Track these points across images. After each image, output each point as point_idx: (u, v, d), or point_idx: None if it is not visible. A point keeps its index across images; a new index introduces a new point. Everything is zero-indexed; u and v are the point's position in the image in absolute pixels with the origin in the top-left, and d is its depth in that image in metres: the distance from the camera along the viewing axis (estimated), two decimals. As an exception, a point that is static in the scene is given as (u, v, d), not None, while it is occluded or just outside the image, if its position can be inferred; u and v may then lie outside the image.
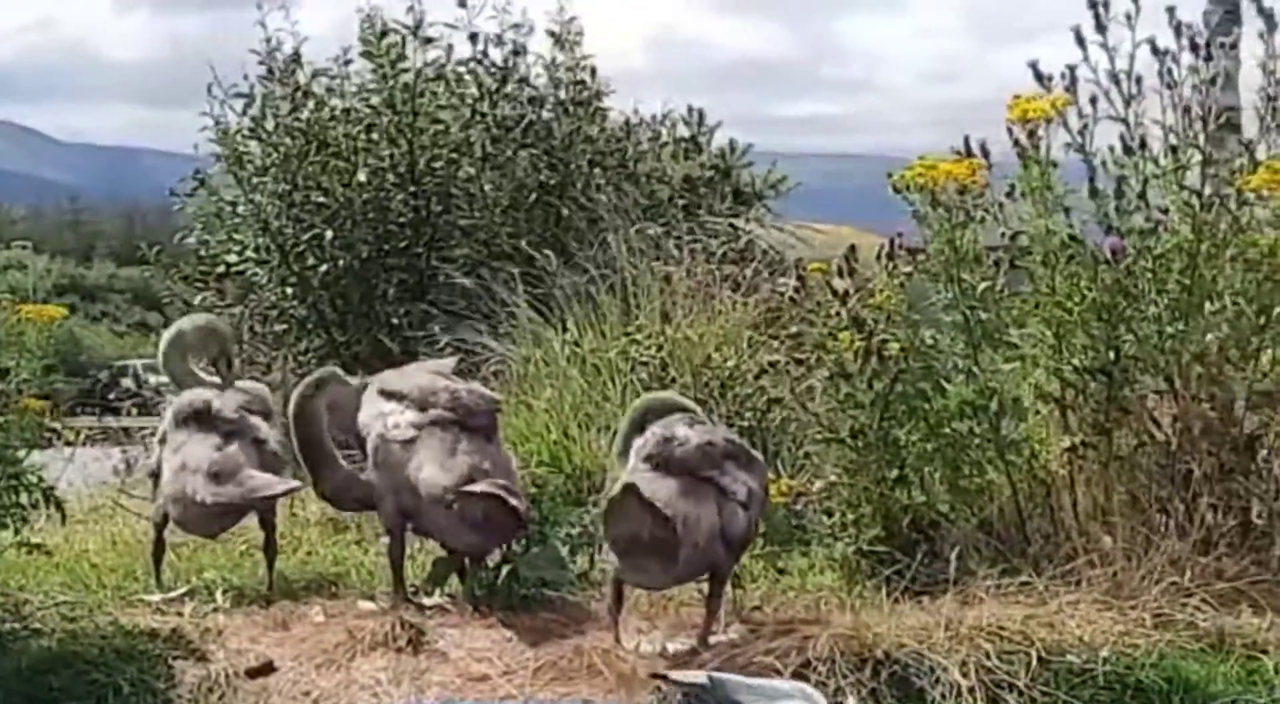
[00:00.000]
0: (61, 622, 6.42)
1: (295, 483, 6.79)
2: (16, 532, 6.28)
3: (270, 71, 11.41)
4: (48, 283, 49.91)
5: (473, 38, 11.25)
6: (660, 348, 8.11)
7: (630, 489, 5.75)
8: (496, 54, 11.32)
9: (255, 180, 11.09)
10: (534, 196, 10.96)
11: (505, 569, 6.59)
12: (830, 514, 6.64)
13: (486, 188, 10.83)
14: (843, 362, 6.41)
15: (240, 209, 11.20)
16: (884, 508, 6.43)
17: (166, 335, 7.25)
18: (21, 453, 6.25)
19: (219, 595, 6.79)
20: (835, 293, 6.45)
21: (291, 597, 6.80)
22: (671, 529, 5.72)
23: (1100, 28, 6.49)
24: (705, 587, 6.17)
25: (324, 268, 10.90)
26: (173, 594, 6.86)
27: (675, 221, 11.00)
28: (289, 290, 11.09)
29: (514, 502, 6.21)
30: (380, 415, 6.59)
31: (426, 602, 6.58)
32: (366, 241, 10.90)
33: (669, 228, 10.73)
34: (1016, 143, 6.35)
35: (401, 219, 10.96)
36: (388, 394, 6.66)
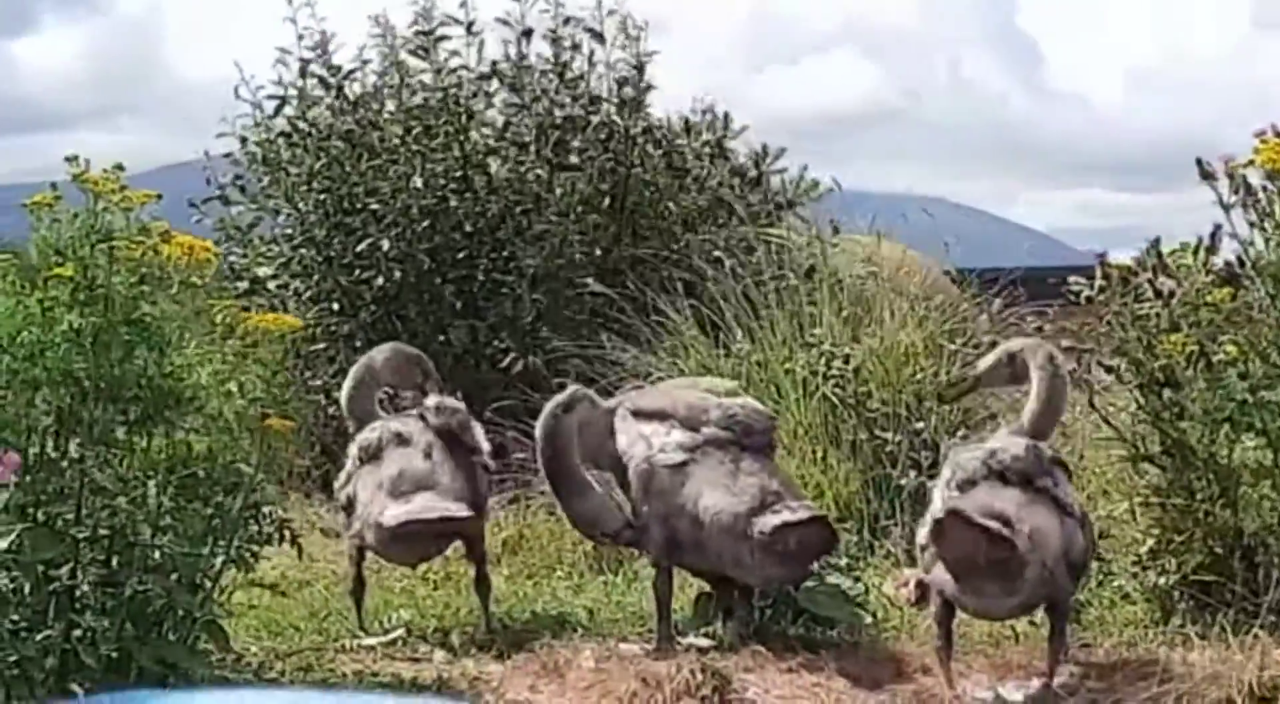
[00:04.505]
0: (298, 673, 5.66)
1: (464, 512, 6.03)
2: (249, 569, 5.48)
3: (302, 72, 10.60)
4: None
5: (526, 34, 10.49)
6: (848, 361, 7.47)
7: (954, 514, 5.15)
8: (547, 49, 10.55)
9: (298, 188, 10.28)
10: (607, 201, 10.23)
11: (777, 606, 5.95)
12: (1136, 541, 6.04)
13: (558, 192, 10.08)
14: (1169, 368, 5.81)
15: (281, 218, 10.39)
16: (1207, 532, 5.83)
17: (355, 372, 6.54)
18: (260, 479, 5.46)
19: (455, 638, 6.05)
20: (1158, 293, 5.86)
21: (522, 637, 6.10)
22: (1010, 547, 5.10)
23: None
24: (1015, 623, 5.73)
25: (379, 280, 10.10)
26: (389, 636, 6.13)
27: (724, 229, 10.42)
28: (335, 305, 10.27)
29: (835, 525, 5.60)
30: (641, 438, 5.90)
31: (700, 643, 5.90)
32: (425, 252, 10.10)
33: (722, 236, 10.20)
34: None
35: (464, 227, 10.17)
36: (646, 415, 5.98)
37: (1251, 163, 5.68)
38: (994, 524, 5.09)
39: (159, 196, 5.51)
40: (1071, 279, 6.14)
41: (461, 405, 6.41)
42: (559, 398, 6.04)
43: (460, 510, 6.00)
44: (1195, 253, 5.95)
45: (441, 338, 10.18)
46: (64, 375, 5.15)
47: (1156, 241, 6.03)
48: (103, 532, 5.07)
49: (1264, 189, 5.82)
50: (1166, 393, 5.86)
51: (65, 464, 5.15)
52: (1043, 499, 5.29)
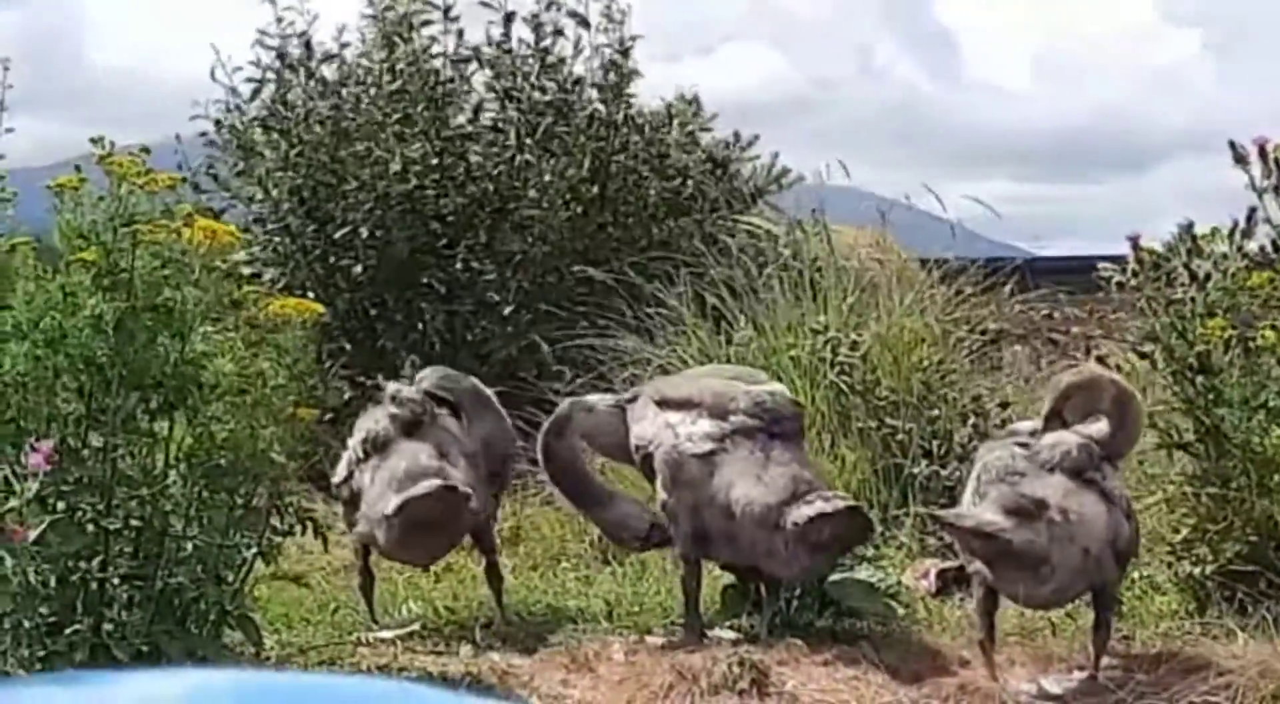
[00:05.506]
0: (320, 666, 5.51)
1: (434, 482, 5.71)
2: (269, 562, 5.32)
3: (281, 57, 10.38)
4: None
5: (508, 19, 10.32)
6: (854, 347, 7.36)
7: (947, 526, 5.21)
8: (528, 34, 10.37)
9: (274, 175, 10.08)
10: (595, 190, 10.07)
11: (804, 598, 5.83)
12: (1176, 530, 5.96)
13: (546, 178, 9.91)
14: (1205, 354, 5.73)
15: (256, 206, 10.19)
16: (1244, 521, 5.75)
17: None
18: (290, 468, 5.32)
19: (477, 632, 5.91)
20: (1194, 277, 5.78)
21: (542, 630, 5.96)
22: (1005, 543, 5.04)
23: None
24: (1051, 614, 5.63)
25: (358, 268, 9.93)
26: (405, 629, 5.97)
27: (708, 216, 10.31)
28: (310, 293, 10.06)
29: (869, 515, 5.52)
30: (668, 428, 5.78)
31: (727, 635, 5.78)
32: (404, 238, 9.93)
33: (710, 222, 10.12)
34: None
35: (444, 213, 9.99)
36: (671, 404, 5.85)
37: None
38: (979, 523, 5.04)
39: (184, 180, 5.36)
40: (1101, 265, 6.04)
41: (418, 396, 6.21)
42: (548, 423, 5.96)
43: (453, 480, 5.75)
44: (1230, 237, 5.86)
45: (420, 326, 10.02)
46: (86, 362, 4.98)
47: (1189, 226, 5.95)
48: (134, 522, 4.90)
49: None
50: (1200, 379, 5.77)
51: (88, 454, 4.99)
52: (1090, 488, 5.21)
